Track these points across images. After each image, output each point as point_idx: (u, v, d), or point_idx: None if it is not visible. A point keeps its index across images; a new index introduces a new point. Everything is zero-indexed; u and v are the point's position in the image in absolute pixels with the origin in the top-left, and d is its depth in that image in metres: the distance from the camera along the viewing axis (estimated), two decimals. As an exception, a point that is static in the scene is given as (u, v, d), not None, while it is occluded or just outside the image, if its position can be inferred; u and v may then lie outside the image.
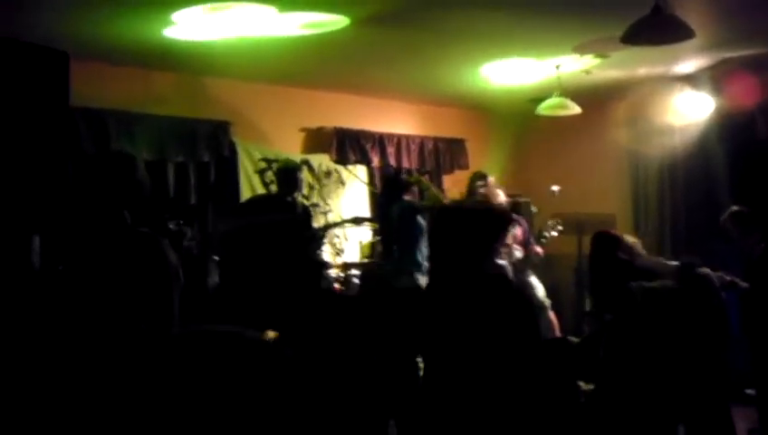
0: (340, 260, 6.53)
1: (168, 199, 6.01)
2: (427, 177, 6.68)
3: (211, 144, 6.26)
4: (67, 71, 3.19)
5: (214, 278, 5.81)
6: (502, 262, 6.00)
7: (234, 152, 6.41)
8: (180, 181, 6.15)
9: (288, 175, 5.63)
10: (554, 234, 6.51)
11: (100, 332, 2.51)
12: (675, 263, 4.29)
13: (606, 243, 3.96)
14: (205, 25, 4.72)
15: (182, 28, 4.76)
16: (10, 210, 4.13)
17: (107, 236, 2.92)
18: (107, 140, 5.66)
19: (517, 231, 6.51)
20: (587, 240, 6.34)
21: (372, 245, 6.95)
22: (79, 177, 5.48)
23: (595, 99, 6.87)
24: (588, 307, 6.48)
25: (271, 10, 4.47)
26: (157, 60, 5.56)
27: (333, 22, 4.73)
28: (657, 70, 6.46)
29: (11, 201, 4.08)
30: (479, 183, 6.27)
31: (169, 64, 5.75)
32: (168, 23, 4.67)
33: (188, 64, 5.77)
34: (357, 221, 6.23)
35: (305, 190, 6.68)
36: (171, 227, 5.01)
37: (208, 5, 4.38)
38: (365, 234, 7.03)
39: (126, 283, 2.58)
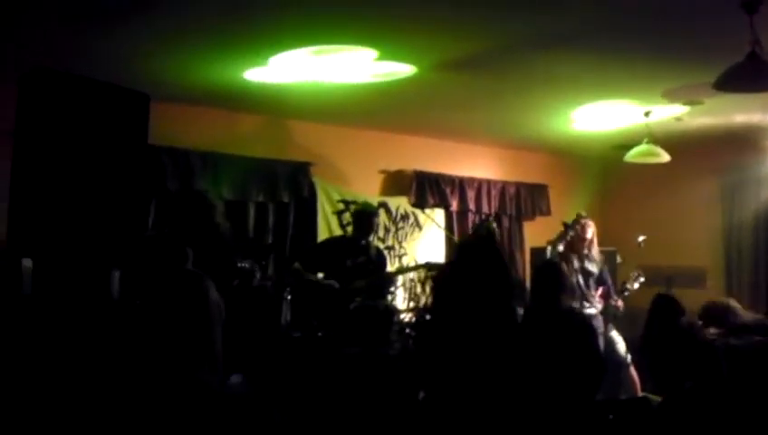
0: (413, 304, 6.44)
1: (247, 239, 6.07)
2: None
3: (291, 185, 6.33)
4: (147, 111, 3.27)
5: (286, 316, 5.83)
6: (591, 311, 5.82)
7: (313, 193, 6.45)
8: (260, 221, 6.22)
9: (364, 218, 5.62)
10: (636, 286, 6.20)
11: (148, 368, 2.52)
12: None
13: (666, 308, 3.76)
14: (288, 69, 4.79)
15: (266, 71, 4.84)
16: (93, 245, 4.25)
17: (163, 274, 2.98)
18: (191, 179, 5.80)
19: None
20: (675, 294, 6.12)
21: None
22: (162, 214, 5.67)
23: (686, 146, 6.60)
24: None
25: (369, 55, 4.48)
26: (240, 102, 5.68)
27: (402, 73, 4.72)
28: (755, 117, 6.16)
29: (94, 236, 4.20)
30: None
31: (252, 106, 5.86)
32: (252, 66, 4.75)
33: (271, 107, 5.87)
34: (430, 267, 6.13)
35: (381, 233, 6.66)
36: (243, 265, 5.05)
37: (305, 50, 4.43)
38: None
39: (169, 319, 2.60)
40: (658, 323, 3.91)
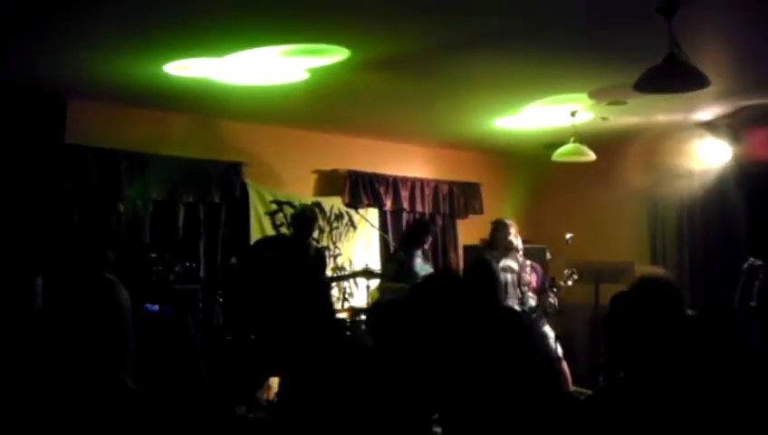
0: (347, 305, 6.44)
1: (177, 240, 5.96)
2: None
3: (223, 185, 6.24)
4: (63, 112, 3.17)
5: (219, 318, 5.76)
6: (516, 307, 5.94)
7: (245, 194, 6.37)
8: (190, 222, 6.11)
9: (304, 221, 5.65)
10: (569, 283, 6.36)
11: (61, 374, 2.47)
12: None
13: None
14: (218, 68, 4.71)
15: (193, 70, 4.76)
16: (13, 251, 4.11)
17: (78, 279, 2.93)
18: (118, 181, 5.65)
19: (532, 278, 6.41)
20: (604, 289, 6.30)
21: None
22: (87, 216, 5.52)
23: (612, 145, 6.77)
24: (602, 358, 6.30)
25: (275, 51, 4.44)
26: (169, 101, 5.57)
27: (334, 50, 4.64)
28: (675, 117, 6.37)
29: (13, 242, 4.06)
30: (506, 231, 6.21)
31: (182, 106, 5.76)
32: (178, 65, 4.67)
33: (201, 106, 5.77)
34: (368, 274, 6.15)
35: (315, 233, 6.63)
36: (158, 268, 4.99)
37: (217, 49, 4.37)
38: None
39: (78, 323, 2.56)
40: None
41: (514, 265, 6.25)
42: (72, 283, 4.07)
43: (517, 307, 6.13)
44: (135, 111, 5.72)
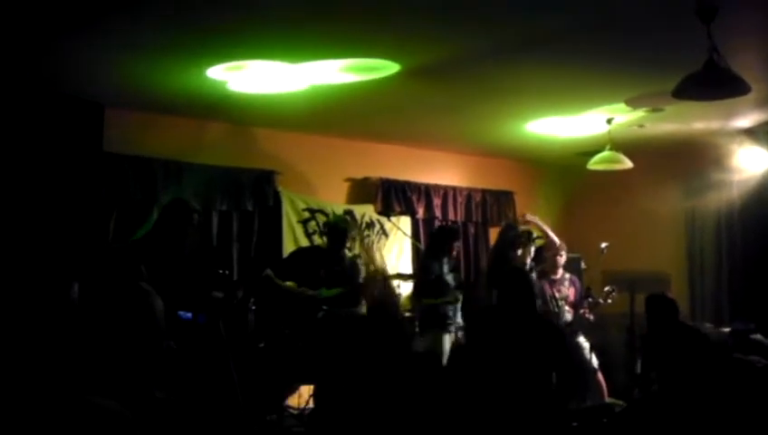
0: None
1: (211, 248, 6.00)
2: None
3: (256, 193, 6.27)
4: (101, 120, 3.22)
5: (251, 325, 5.77)
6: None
7: (278, 202, 6.39)
8: (224, 230, 6.15)
9: (338, 231, 5.65)
10: (609, 301, 6.24)
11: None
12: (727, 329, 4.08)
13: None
14: (253, 77, 4.75)
15: (230, 79, 4.79)
16: (51, 257, 4.18)
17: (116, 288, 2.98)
18: (154, 188, 5.71)
19: (569, 292, 6.32)
20: (640, 299, 6.18)
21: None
22: (124, 223, 5.58)
23: (649, 153, 6.68)
24: (638, 369, 6.20)
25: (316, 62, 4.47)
26: (204, 110, 5.63)
27: (385, 66, 4.67)
28: (714, 124, 6.27)
29: (52, 248, 4.12)
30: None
31: (217, 114, 5.81)
32: (215, 74, 4.70)
33: (235, 115, 5.82)
34: (400, 277, 6.13)
35: (348, 242, 6.63)
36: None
37: (254, 59, 4.40)
38: (407, 287, 6.89)
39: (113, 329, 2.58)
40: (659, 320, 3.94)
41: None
42: (108, 291, 4.13)
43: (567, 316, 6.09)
44: (170, 120, 5.78)
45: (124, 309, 3.70)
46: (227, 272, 5.71)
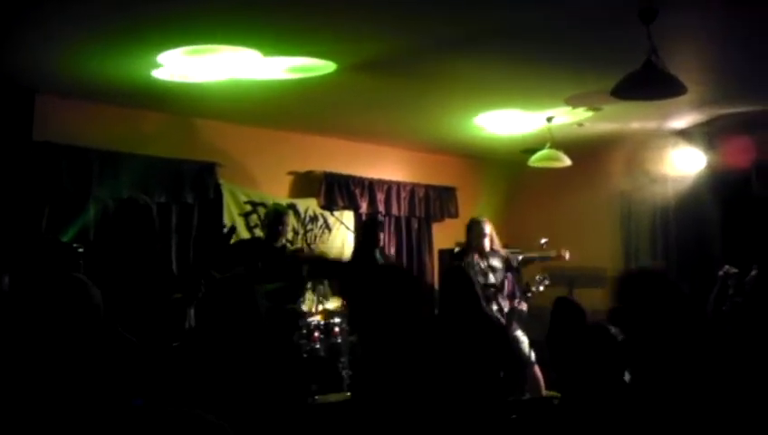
0: (321, 307, 6.38)
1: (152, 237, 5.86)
2: None
3: (196, 185, 6.15)
4: (32, 107, 3.09)
5: (190, 321, 5.66)
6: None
7: (219, 194, 6.28)
8: (162, 222, 5.99)
9: (275, 217, 5.54)
10: (541, 289, 6.35)
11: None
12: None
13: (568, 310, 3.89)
14: (192, 67, 4.64)
15: (169, 69, 4.68)
16: (-22, 249, 4.01)
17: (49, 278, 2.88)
18: (89, 179, 5.54)
19: (503, 277, 6.39)
20: (578, 294, 6.30)
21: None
22: (58, 215, 5.40)
23: (587, 150, 6.81)
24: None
25: (256, 54, 4.41)
26: (143, 100, 5.48)
27: (320, 67, 4.67)
28: (651, 124, 6.42)
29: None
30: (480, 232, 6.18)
31: (156, 104, 5.67)
32: (155, 63, 4.59)
33: (176, 105, 5.69)
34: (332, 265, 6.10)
35: (290, 235, 6.57)
36: None
37: (195, 47, 4.31)
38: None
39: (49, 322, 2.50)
40: (563, 324, 4.01)
41: (498, 264, 6.23)
42: (41, 282, 3.98)
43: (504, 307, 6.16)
44: (108, 109, 5.61)
45: (58, 300, 3.56)
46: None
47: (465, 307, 3.66)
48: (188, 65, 4.61)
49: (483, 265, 6.17)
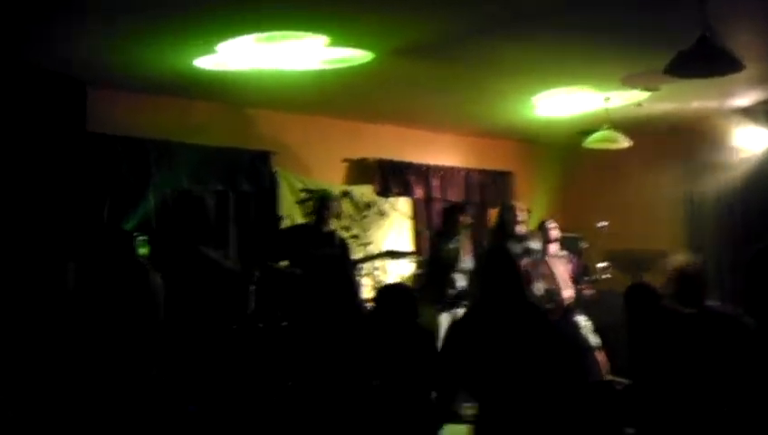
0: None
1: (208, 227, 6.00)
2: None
3: (252, 174, 6.24)
4: (84, 99, 3.19)
5: (251, 305, 5.79)
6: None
7: (275, 183, 6.37)
8: (221, 210, 6.13)
9: (321, 204, 5.59)
10: (604, 277, 6.23)
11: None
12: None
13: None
14: (247, 56, 4.72)
15: (224, 59, 4.76)
16: (44, 237, 4.18)
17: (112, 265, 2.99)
18: (147, 169, 5.70)
19: (567, 268, 6.30)
20: (641, 277, 6.17)
21: (414, 277, 6.82)
22: (118, 204, 5.59)
23: (647, 131, 6.64)
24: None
25: (319, 41, 4.43)
26: (199, 90, 5.59)
27: (357, 57, 4.68)
28: (712, 104, 6.22)
29: (44, 228, 4.13)
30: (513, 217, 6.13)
31: (212, 94, 5.77)
32: (210, 53, 4.67)
33: (231, 94, 5.79)
34: (393, 255, 6.12)
35: (346, 222, 6.62)
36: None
37: (253, 37, 4.36)
38: (406, 267, 6.89)
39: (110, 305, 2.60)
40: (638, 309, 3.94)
41: (536, 246, 6.17)
42: (106, 268, 4.14)
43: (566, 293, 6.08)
44: (163, 100, 5.74)
45: (122, 285, 3.70)
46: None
47: (507, 289, 3.63)
48: (243, 55, 4.68)
49: (518, 249, 6.10)
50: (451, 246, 5.95)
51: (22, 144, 3.23)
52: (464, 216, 6.06)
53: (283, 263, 5.58)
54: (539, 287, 5.98)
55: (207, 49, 4.58)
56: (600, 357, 6.18)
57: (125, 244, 4.64)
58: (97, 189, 5.25)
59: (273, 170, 6.34)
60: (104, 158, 5.40)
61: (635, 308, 3.92)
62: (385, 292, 4.01)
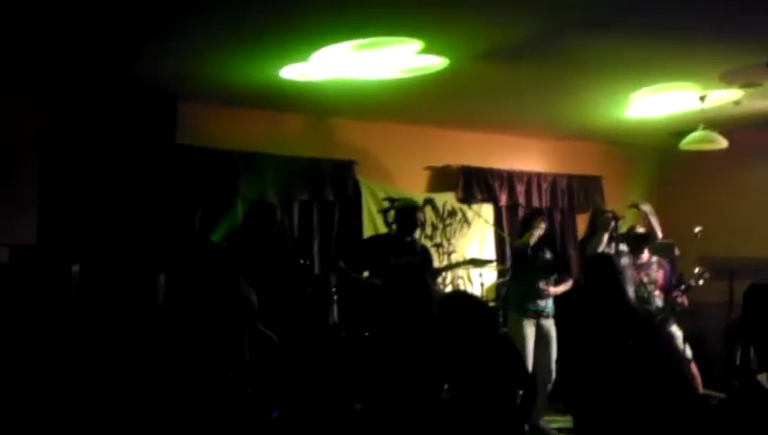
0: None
1: (292, 238, 6.05)
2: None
3: (336, 183, 6.28)
4: (174, 112, 3.25)
5: (334, 315, 5.79)
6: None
7: (358, 191, 6.37)
8: (304, 220, 6.18)
9: (406, 214, 5.50)
10: (701, 283, 5.94)
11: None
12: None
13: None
14: (330, 68, 4.71)
15: (304, 69, 4.78)
16: (135, 249, 4.28)
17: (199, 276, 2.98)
18: (236, 180, 5.80)
19: (659, 275, 6.04)
20: (739, 286, 5.85)
21: (497, 287, 6.69)
22: (209, 216, 5.70)
23: (746, 131, 6.31)
24: (738, 361, 5.88)
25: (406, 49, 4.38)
26: (283, 102, 5.65)
27: (432, 66, 4.59)
28: (818, 99, 5.83)
29: (135, 240, 4.22)
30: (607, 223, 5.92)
31: (294, 106, 5.83)
32: (290, 63, 4.69)
33: (312, 105, 5.83)
34: (475, 263, 6.00)
35: (429, 230, 6.55)
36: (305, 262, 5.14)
37: (350, 44, 4.35)
38: (490, 275, 6.76)
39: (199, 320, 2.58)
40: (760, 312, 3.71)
41: (624, 248, 5.97)
42: (195, 279, 4.18)
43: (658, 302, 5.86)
44: (249, 112, 5.85)
45: (213, 294, 3.71)
46: (308, 262, 5.75)
47: (610, 297, 3.48)
48: (325, 66, 4.68)
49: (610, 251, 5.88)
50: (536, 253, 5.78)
51: (115, 157, 3.31)
52: (537, 221, 5.87)
53: (365, 273, 5.54)
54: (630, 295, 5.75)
55: (295, 59, 4.59)
56: (694, 370, 5.91)
57: (215, 254, 4.70)
58: (189, 200, 5.38)
59: (357, 179, 6.34)
60: (195, 169, 5.54)
61: (755, 309, 3.65)
62: (445, 301, 3.91)
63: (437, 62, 4.67)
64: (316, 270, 5.99)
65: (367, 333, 5.36)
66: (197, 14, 3.72)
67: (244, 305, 2.92)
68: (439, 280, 6.33)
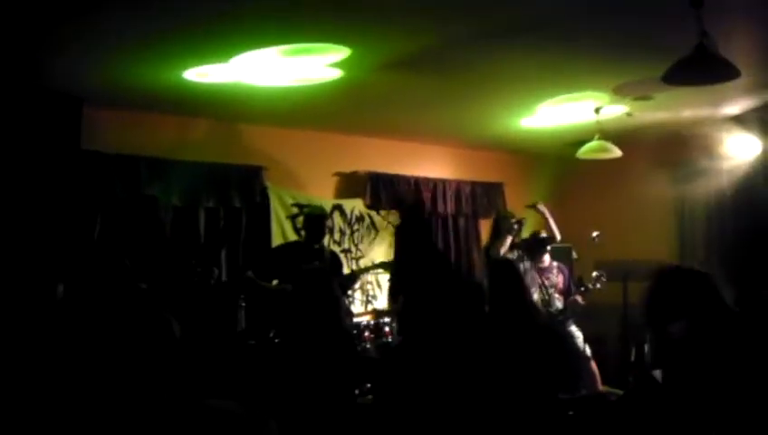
0: (371, 307, 6.37)
1: (198, 245, 5.93)
2: None
3: (243, 189, 6.19)
4: (79, 116, 3.13)
5: (242, 323, 5.71)
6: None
7: (266, 197, 6.31)
8: (211, 227, 6.06)
9: (314, 222, 5.53)
10: (598, 286, 6.23)
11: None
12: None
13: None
14: (237, 73, 4.66)
15: (214, 75, 4.70)
16: (33, 257, 4.09)
17: (110, 291, 2.87)
18: (139, 186, 5.62)
19: (559, 280, 6.30)
20: (632, 287, 6.16)
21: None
22: (110, 223, 5.50)
23: (638, 141, 6.65)
24: (633, 358, 6.18)
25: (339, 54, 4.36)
26: (191, 107, 5.53)
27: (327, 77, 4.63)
28: (703, 112, 6.23)
29: (33, 247, 4.04)
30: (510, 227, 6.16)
31: (203, 111, 5.72)
32: (200, 70, 4.61)
33: (220, 111, 5.74)
34: (385, 266, 6.07)
35: (337, 236, 6.57)
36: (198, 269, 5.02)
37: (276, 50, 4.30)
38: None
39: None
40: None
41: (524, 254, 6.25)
42: (97, 291, 4.03)
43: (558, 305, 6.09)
44: (155, 117, 5.68)
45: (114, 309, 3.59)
46: (204, 269, 5.65)
47: (514, 302, 3.59)
48: (230, 70, 4.62)
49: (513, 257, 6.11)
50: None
51: (16, 162, 3.15)
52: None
53: (275, 281, 5.51)
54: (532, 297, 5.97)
55: (198, 66, 4.51)
56: (593, 368, 6.19)
57: (115, 265, 4.55)
58: (89, 207, 5.17)
59: (265, 185, 6.29)
60: (96, 175, 5.32)
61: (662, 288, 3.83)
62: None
63: (331, 74, 4.69)
64: (224, 277, 5.89)
65: (277, 340, 5.32)
66: (96, 17, 3.60)
67: (176, 347, 2.84)
68: (358, 284, 6.36)
